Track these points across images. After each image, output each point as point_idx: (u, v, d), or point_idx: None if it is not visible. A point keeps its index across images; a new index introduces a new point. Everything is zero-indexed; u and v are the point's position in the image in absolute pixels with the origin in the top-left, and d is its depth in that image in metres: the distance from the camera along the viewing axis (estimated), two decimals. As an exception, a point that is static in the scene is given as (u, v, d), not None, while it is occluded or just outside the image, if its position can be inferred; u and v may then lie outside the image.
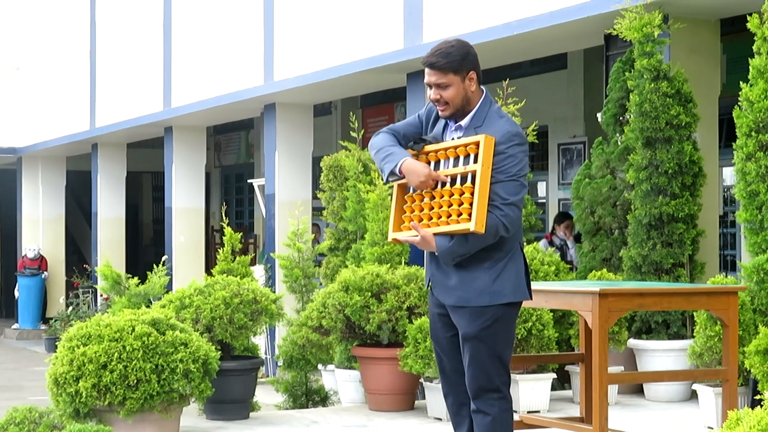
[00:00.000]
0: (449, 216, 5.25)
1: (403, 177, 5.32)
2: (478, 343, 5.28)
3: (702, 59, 10.44)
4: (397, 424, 8.77)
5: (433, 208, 5.33)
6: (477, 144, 5.20)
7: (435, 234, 5.26)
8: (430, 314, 5.59)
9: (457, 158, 5.31)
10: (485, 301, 5.26)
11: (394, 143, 5.40)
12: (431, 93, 5.36)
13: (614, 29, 9.95)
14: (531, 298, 5.43)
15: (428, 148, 5.40)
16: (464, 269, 5.30)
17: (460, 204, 5.24)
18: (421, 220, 5.35)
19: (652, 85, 9.74)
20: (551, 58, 14.86)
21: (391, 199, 5.56)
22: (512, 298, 5.31)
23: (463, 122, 5.35)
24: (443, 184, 5.31)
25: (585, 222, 10.53)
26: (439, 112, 5.38)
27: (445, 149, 5.33)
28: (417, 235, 5.29)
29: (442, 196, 5.30)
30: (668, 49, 10.07)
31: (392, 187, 5.50)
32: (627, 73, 10.18)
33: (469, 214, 5.18)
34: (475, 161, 5.22)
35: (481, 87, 5.41)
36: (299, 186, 16.18)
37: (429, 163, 5.40)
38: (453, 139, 5.38)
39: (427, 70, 5.31)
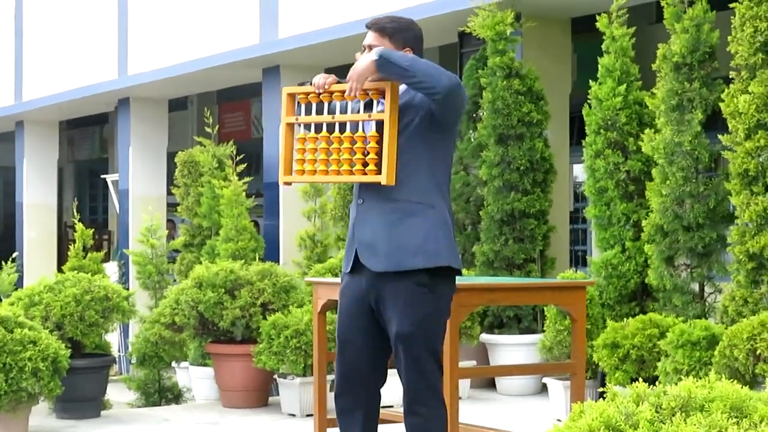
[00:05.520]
0: (352, 164, 4.76)
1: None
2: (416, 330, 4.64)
3: (553, 58, 10.61)
4: (250, 420, 8.73)
5: (331, 153, 4.83)
6: (381, 91, 4.75)
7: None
8: (346, 300, 4.79)
9: (357, 102, 4.87)
10: (419, 263, 4.62)
11: None
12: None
13: (468, 27, 10.05)
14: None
15: (334, 87, 4.85)
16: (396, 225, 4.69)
17: (365, 153, 4.75)
18: (315, 163, 4.85)
19: (505, 82, 9.86)
20: (407, 55, 14.92)
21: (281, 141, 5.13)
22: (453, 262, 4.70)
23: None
24: (341, 128, 4.81)
25: (439, 218, 10.59)
26: None
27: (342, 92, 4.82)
28: (314, 173, 4.81)
29: (342, 142, 4.79)
30: (520, 47, 10.21)
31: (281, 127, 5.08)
32: (480, 71, 10.28)
33: (377, 164, 4.69)
34: (381, 110, 4.75)
35: None
36: (154, 182, 16.01)
37: (330, 102, 4.86)
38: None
39: (368, 32, 4.94)
